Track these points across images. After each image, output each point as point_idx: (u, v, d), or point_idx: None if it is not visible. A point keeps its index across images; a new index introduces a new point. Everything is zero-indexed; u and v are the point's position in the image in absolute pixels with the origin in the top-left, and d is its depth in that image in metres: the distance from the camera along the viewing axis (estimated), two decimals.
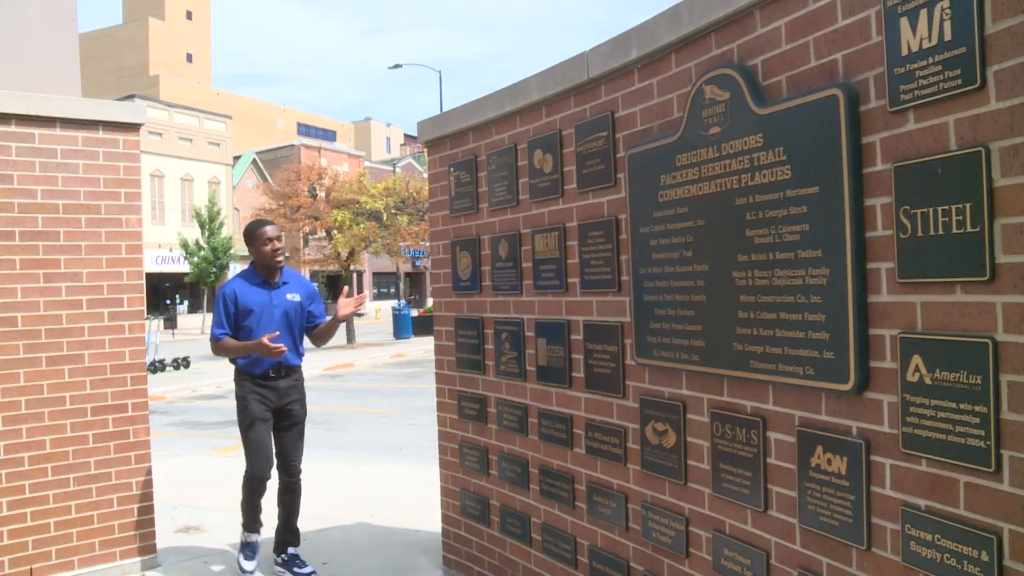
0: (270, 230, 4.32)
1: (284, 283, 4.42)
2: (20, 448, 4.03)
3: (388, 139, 74.22)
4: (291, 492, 4.49)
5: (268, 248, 4.30)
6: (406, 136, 72.11)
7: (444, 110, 4.46)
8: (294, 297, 4.43)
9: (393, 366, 18.47)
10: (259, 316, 4.28)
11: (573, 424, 3.30)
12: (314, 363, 16.19)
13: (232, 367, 4.47)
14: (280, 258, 4.32)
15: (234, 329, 4.30)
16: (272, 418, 4.35)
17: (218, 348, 4.34)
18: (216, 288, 41.04)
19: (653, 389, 2.85)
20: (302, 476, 4.54)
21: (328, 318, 4.60)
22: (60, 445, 4.14)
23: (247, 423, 4.29)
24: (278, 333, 4.19)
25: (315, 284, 4.89)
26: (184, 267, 37.22)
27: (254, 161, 46.74)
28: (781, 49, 2.26)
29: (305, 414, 4.49)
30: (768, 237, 2.26)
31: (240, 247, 39.78)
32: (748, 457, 2.41)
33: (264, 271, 4.36)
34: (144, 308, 4.47)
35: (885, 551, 1.97)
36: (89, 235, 4.23)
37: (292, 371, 4.42)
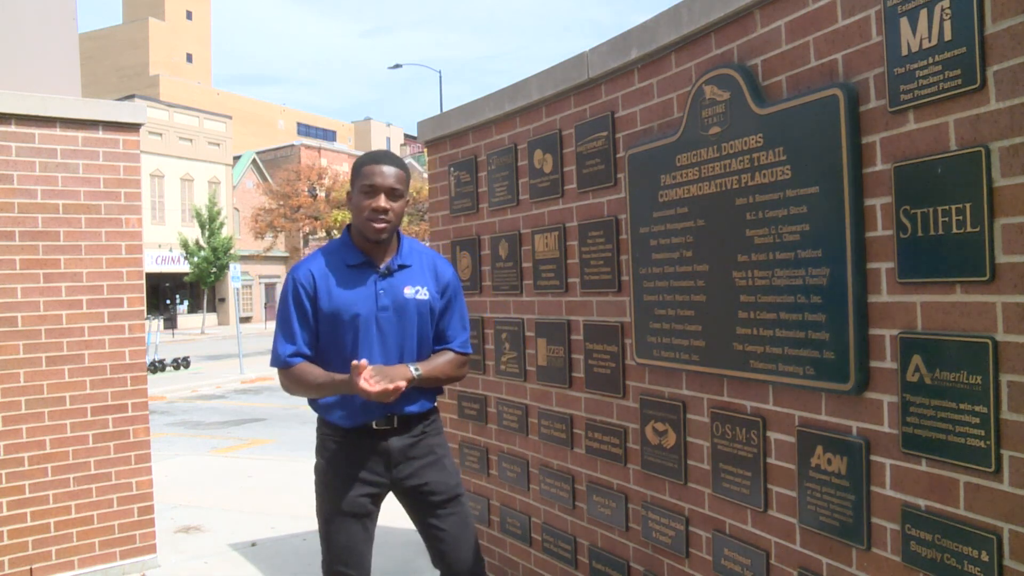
0: (381, 172, 2.43)
1: (401, 266, 2.52)
2: (20, 448, 4.03)
3: (388, 139, 74.17)
4: None
5: (366, 205, 2.42)
6: (406, 136, 72.09)
7: (444, 110, 4.46)
8: (419, 293, 2.51)
9: None
10: (356, 324, 2.43)
11: (573, 424, 3.30)
12: None
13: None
14: (381, 227, 2.43)
15: (313, 344, 2.48)
16: (375, 509, 2.53)
17: (288, 380, 2.46)
18: (216, 289, 41.21)
19: (653, 389, 2.85)
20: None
21: (465, 337, 2.65)
22: (60, 445, 4.13)
23: (324, 514, 2.51)
24: (366, 364, 2.27)
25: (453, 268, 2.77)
26: (184, 267, 37.23)
27: (254, 161, 46.75)
28: (781, 49, 2.26)
29: (457, 482, 2.61)
30: (768, 237, 2.26)
31: (241, 247, 39.87)
32: (748, 457, 2.41)
33: (363, 242, 2.51)
34: (144, 308, 4.46)
35: (885, 551, 1.97)
36: (89, 235, 4.23)
37: (415, 421, 2.53)
